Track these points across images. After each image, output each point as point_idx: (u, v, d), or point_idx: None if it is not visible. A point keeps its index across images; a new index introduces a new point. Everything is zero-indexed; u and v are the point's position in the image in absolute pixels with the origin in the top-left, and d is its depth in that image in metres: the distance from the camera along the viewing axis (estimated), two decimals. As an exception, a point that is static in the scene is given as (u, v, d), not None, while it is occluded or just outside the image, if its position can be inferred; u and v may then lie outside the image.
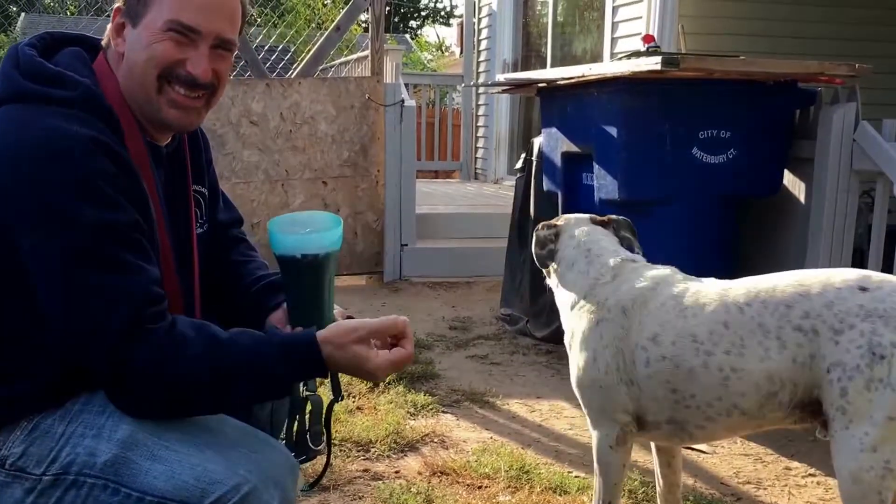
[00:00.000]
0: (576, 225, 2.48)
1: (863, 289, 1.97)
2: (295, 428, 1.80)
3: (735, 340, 2.02)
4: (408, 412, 3.49)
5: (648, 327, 2.13)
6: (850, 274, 2.04)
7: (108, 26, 1.73)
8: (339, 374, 1.79)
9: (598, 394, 2.21)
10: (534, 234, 2.47)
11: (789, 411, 2.04)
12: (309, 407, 1.79)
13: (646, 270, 2.29)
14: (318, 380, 1.80)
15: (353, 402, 3.59)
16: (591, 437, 2.28)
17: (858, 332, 1.92)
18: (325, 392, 1.81)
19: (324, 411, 1.81)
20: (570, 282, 2.36)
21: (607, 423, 2.21)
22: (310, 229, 1.77)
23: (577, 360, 2.26)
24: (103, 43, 1.75)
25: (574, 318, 2.30)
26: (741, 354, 2.01)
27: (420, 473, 2.90)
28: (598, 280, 2.29)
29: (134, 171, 1.60)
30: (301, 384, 1.78)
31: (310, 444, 1.79)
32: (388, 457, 3.05)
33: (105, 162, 1.55)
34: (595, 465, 2.27)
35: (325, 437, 1.82)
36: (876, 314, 1.92)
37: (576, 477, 2.76)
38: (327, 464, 1.91)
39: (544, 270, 2.47)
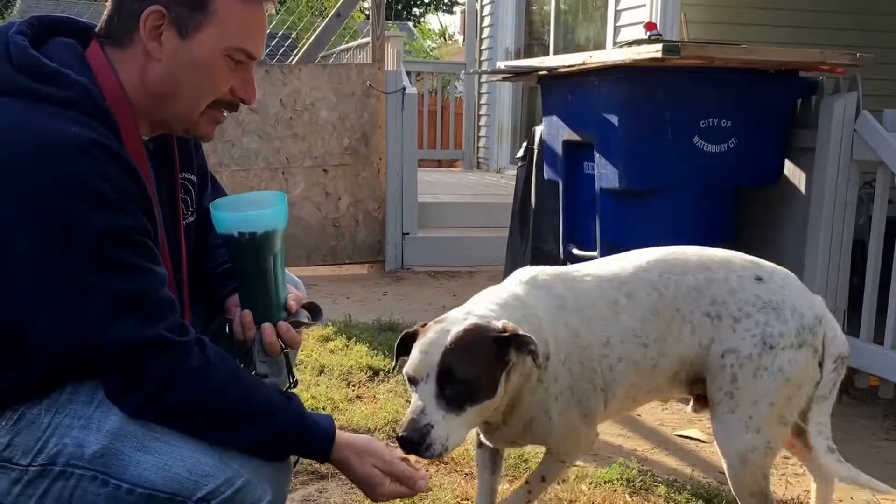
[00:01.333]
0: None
1: (758, 279, 2.07)
2: None
3: (662, 327, 2.05)
4: (407, 401, 3.49)
5: (598, 333, 2.03)
6: (744, 260, 2.14)
7: (105, 13, 1.66)
8: (293, 362, 1.83)
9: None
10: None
11: (685, 387, 2.15)
12: None
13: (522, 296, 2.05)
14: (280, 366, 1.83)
15: (353, 390, 3.59)
16: (559, 461, 2.15)
17: (754, 321, 2.02)
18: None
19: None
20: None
21: (587, 444, 2.17)
22: (251, 208, 1.75)
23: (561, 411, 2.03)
24: (98, 31, 1.68)
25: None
26: (661, 339, 2.05)
27: (419, 462, 2.90)
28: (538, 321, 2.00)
29: (137, 172, 1.58)
30: (253, 371, 1.79)
31: None
32: (388, 445, 3.05)
33: (107, 165, 1.52)
34: (550, 479, 2.20)
35: None
36: (770, 305, 2.03)
37: (573, 465, 2.76)
38: None
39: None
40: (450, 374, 1.75)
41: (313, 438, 1.69)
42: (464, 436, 1.81)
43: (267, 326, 1.76)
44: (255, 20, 1.66)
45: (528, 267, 2.14)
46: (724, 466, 2.10)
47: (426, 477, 1.79)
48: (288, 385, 1.82)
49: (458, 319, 1.86)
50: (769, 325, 2.01)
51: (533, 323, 1.92)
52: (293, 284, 2.00)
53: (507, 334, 1.80)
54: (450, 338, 1.79)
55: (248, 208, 1.74)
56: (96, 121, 1.55)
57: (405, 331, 1.94)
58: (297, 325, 1.80)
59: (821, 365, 2.05)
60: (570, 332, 1.98)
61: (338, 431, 1.73)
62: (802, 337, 2.02)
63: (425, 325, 1.90)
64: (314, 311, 1.89)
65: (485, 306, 1.94)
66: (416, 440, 1.74)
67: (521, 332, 1.81)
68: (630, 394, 2.10)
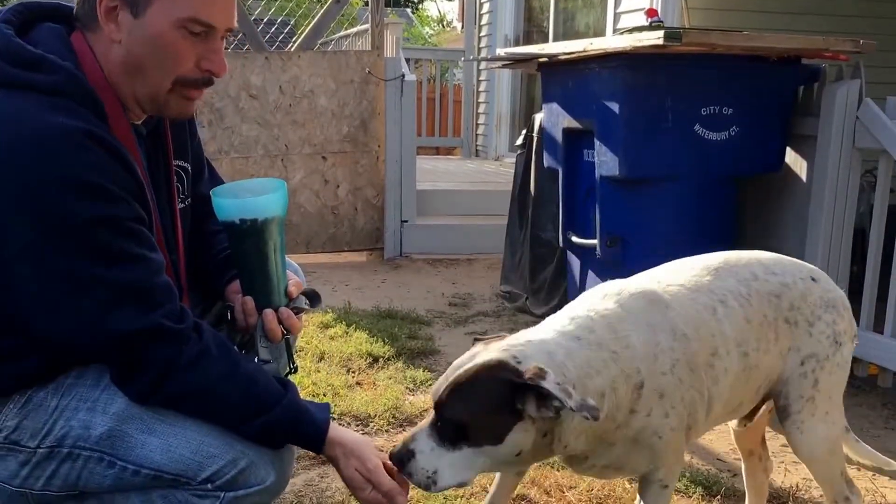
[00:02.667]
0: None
1: (813, 279, 2.04)
2: None
3: (756, 335, 1.94)
4: (407, 388, 3.49)
5: (706, 343, 1.87)
6: (790, 261, 2.09)
7: None
8: (294, 348, 1.83)
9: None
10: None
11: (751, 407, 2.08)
12: None
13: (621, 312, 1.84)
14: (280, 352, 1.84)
15: (353, 377, 3.59)
16: (662, 486, 1.89)
17: (825, 322, 2.00)
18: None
19: None
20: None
21: (683, 459, 1.97)
22: (251, 195, 1.74)
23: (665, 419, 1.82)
24: (76, 12, 1.66)
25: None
26: (757, 350, 1.95)
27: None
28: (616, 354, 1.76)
29: (128, 159, 1.57)
30: (255, 356, 1.79)
31: None
32: (388, 431, 3.05)
33: (98, 154, 1.51)
34: None
35: None
36: (831, 304, 2.02)
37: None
38: None
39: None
40: (443, 410, 1.63)
41: (306, 433, 1.70)
42: (465, 476, 1.64)
43: (268, 312, 1.77)
44: None
45: (611, 281, 1.92)
46: (811, 466, 2.09)
47: (406, 494, 1.76)
48: (289, 370, 1.82)
49: (492, 350, 1.68)
50: (836, 324, 2.01)
51: (618, 351, 1.73)
52: (293, 271, 2.00)
53: (523, 381, 1.58)
54: (459, 371, 1.64)
55: (249, 195, 1.74)
56: (84, 107, 1.54)
57: (476, 336, 1.81)
58: (298, 310, 1.80)
59: None
60: (679, 336, 1.81)
61: (334, 426, 1.74)
62: (853, 327, 2.07)
63: (500, 336, 1.76)
64: (313, 298, 1.89)
65: (565, 335, 1.72)
66: (396, 461, 1.66)
67: (543, 384, 1.56)
68: (714, 414, 1.94)
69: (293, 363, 1.83)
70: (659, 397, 1.76)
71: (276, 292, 1.76)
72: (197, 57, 1.64)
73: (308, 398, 1.96)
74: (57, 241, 1.49)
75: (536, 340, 1.70)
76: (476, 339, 1.76)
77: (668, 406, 1.77)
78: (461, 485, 1.67)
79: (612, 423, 1.73)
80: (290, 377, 1.82)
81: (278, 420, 1.64)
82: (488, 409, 1.61)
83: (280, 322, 1.79)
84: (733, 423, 2.24)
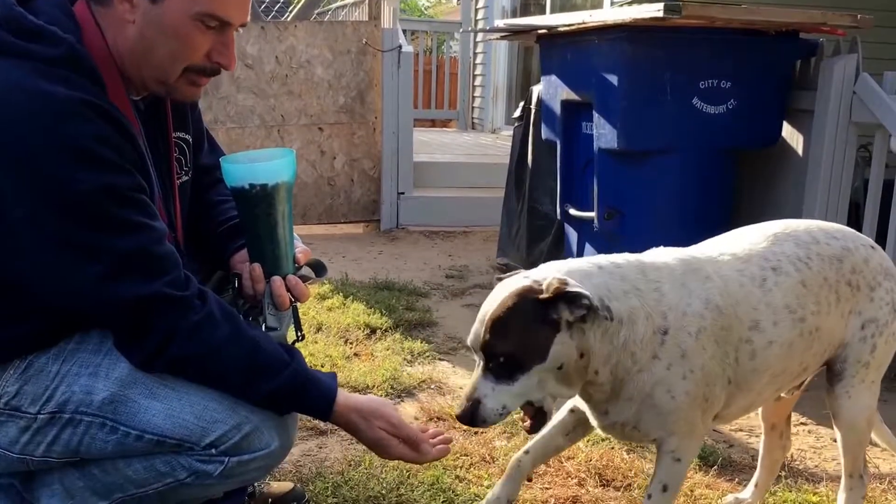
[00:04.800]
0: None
1: (872, 247, 2.07)
2: None
3: (814, 299, 1.95)
4: (404, 359, 3.52)
5: (745, 316, 1.89)
6: (849, 230, 2.11)
7: None
8: (312, 316, 1.84)
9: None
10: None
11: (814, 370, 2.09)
12: None
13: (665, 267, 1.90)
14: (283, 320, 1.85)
15: (351, 348, 3.61)
16: (674, 459, 1.90)
17: (885, 289, 2.03)
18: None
19: None
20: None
21: (701, 437, 1.95)
22: (260, 161, 1.75)
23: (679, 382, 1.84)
24: None
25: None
26: (817, 313, 1.95)
27: (417, 419, 2.93)
28: (640, 291, 1.82)
29: (129, 130, 1.57)
30: (262, 324, 1.79)
31: None
32: (395, 406, 3.07)
33: (99, 124, 1.51)
34: (673, 487, 1.93)
35: None
36: (890, 272, 2.05)
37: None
38: None
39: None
40: (491, 350, 1.72)
41: (313, 400, 1.71)
42: (522, 400, 1.76)
43: (276, 279, 1.77)
44: None
45: (660, 248, 1.96)
46: (847, 434, 2.08)
47: (443, 441, 1.87)
48: (295, 338, 1.83)
49: (517, 280, 1.76)
50: (894, 292, 2.03)
51: (643, 289, 1.79)
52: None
53: (549, 296, 1.68)
54: (493, 309, 1.72)
55: (258, 162, 1.75)
56: (84, 78, 1.53)
57: (498, 276, 1.86)
58: (305, 279, 1.81)
59: None
60: (712, 307, 1.83)
61: (345, 394, 1.75)
62: None
63: (518, 271, 1.84)
64: (318, 267, 1.90)
65: (584, 263, 1.82)
66: (468, 417, 1.74)
67: (569, 289, 1.67)
68: (772, 385, 1.97)
69: (300, 331, 1.84)
70: (681, 356, 1.80)
71: (285, 259, 1.76)
72: (209, 49, 1.65)
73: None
74: (58, 209, 1.49)
75: (554, 267, 1.80)
76: (498, 279, 1.83)
77: (688, 369, 1.81)
78: (530, 405, 1.77)
79: (633, 362, 1.78)
80: (297, 345, 1.83)
81: (285, 386, 1.65)
82: (528, 331, 1.70)
83: (288, 289, 1.78)
84: None
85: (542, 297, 1.69)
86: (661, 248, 1.96)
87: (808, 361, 2.00)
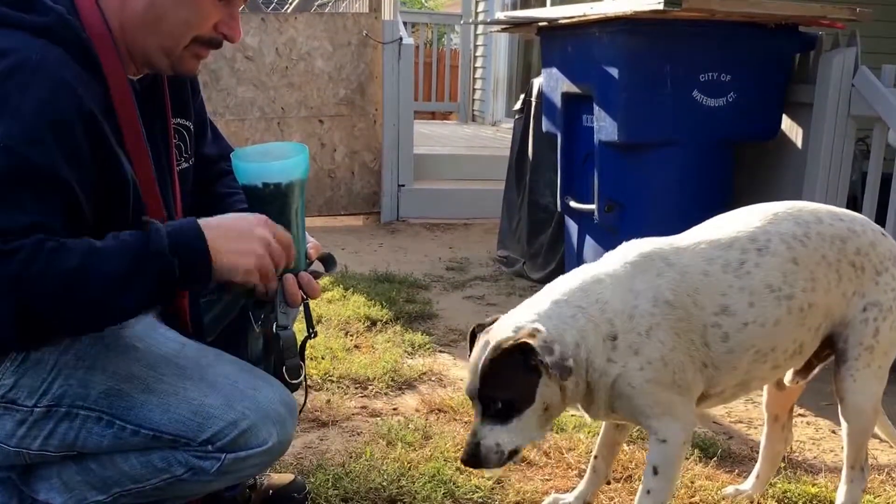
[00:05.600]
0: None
1: (883, 234, 2.10)
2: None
3: (807, 276, 1.99)
4: (405, 351, 3.53)
5: (709, 303, 1.94)
6: (858, 215, 2.15)
7: None
8: (311, 310, 1.81)
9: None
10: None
11: (815, 347, 2.10)
12: (281, 343, 1.74)
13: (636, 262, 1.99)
14: (292, 317, 1.80)
15: (351, 340, 3.63)
16: (659, 440, 1.95)
17: (891, 275, 2.05)
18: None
19: (297, 346, 1.76)
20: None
21: (685, 418, 1.98)
22: (272, 158, 1.72)
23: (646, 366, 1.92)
24: None
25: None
26: (811, 290, 1.99)
27: (418, 411, 2.95)
28: (583, 308, 1.92)
29: (89, 109, 1.50)
30: (273, 324, 1.72)
31: (287, 378, 1.74)
32: (386, 394, 3.09)
33: (51, 94, 1.45)
34: (664, 470, 1.96)
35: (302, 372, 1.77)
36: None
37: (571, 415, 2.81)
38: (305, 398, 1.91)
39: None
40: (488, 398, 1.86)
41: (188, 243, 1.53)
42: (523, 439, 1.89)
43: (289, 277, 1.72)
44: None
45: (635, 241, 2.02)
46: (852, 421, 2.09)
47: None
48: (307, 335, 1.81)
49: (500, 332, 1.89)
50: None
51: (585, 306, 1.90)
52: None
53: (523, 346, 1.83)
54: (483, 360, 1.87)
55: (270, 159, 1.73)
56: (68, 52, 1.50)
57: (474, 326, 2.01)
58: (316, 274, 1.80)
59: None
60: (661, 303, 1.90)
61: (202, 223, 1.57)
62: None
63: (495, 319, 1.97)
64: (328, 261, 1.88)
65: (530, 313, 1.91)
66: (471, 460, 1.88)
67: (534, 344, 1.81)
68: (763, 362, 2.00)
69: (311, 328, 1.82)
70: (634, 354, 1.90)
71: (297, 256, 1.74)
72: (218, 19, 1.64)
73: (307, 361, 1.98)
74: None
75: (528, 311, 1.93)
76: (477, 329, 1.98)
77: (645, 361, 1.90)
78: (517, 449, 1.89)
79: (593, 369, 1.91)
80: (309, 342, 1.82)
81: (158, 255, 1.48)
82: (515, 378, 1.86)
83: (300, 286, 1.74)
84: (771, 384, 2.26)
85: (522, 347, 1.83)
86: (635, 240, 2.03)
87: (804, 338, 2.03)
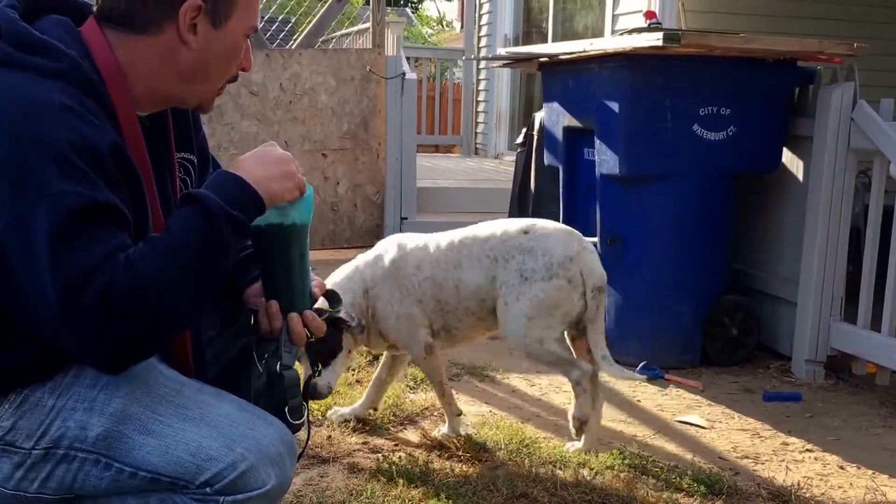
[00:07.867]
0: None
1: (525, 232, 2.88)
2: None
3: (456, 262, 2.90)
4: (407, 385, 3.52)
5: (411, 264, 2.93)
6: (523, 223, 2.96)
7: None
8: (314, 350, 1.76)
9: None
10: None
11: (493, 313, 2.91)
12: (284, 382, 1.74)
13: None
14: (293, 355, 1.79)
15: (353, 375, 3.62)
16: (421, 363, 3.03)
17: (517, 262, 2.83)
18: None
19: (300, 385, 1.76)
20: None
21: (419, 342, 2.94)
22: None
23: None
24: (101, 12, 1.64)
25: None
26: (460, 268, 2.89)
27: (419, 446, 2.93)
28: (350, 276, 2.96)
29: (115, 142, 1.52)
30: (277, 363, 1.73)
31: (289, 419, 1.73)
32: (388, 429, 3.08)
33: (81, 130, 1.47)
34: (418, 361, 3.06)
35: (305, 412, 1.77)
36: (527, 250, 2.83)
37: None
38: (308, 438, 1.90)
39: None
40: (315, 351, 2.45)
41: (241, 193, 1.60)
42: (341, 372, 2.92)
43: (293, 316, 1.72)
44: None
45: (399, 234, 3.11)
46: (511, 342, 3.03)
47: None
48: (311, 374, 1.79)
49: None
50: (524, 264, 2.81)
51: (356, 279, 2.92)
52: None
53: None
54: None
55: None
56: (84, 94, 1.52)
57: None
58: (322, 312, 1.79)
59: (585, 295, 2.81)
60: (391, 268, 2.92)
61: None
62: (552, 271, 2.79)
63: None
64: (332, 299, 1.88)
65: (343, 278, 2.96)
66: (311, 391, 2.28)
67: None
68: (445, 307, 2.91)
69: (315, 367, 1.80)
70: (377, 299, 2.92)
71: (301, 296, 1.73)
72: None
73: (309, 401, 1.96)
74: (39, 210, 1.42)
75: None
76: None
77: (387, 305, 2.91)
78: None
79: (369, 313, 2.90)
80: (313, 381, 1.79)
81: (224, 216, 1.55)
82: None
83: (305, 325, 1.73)
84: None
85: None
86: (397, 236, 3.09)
87: (469, 303, 2.90)
